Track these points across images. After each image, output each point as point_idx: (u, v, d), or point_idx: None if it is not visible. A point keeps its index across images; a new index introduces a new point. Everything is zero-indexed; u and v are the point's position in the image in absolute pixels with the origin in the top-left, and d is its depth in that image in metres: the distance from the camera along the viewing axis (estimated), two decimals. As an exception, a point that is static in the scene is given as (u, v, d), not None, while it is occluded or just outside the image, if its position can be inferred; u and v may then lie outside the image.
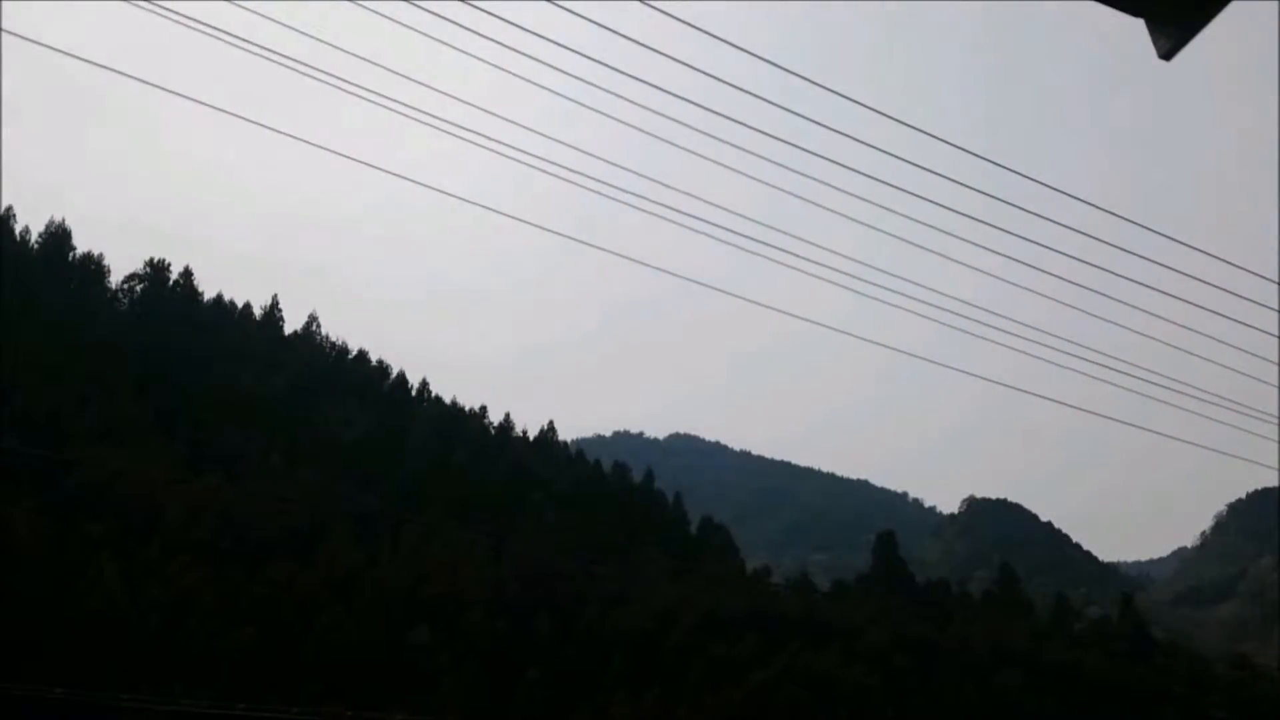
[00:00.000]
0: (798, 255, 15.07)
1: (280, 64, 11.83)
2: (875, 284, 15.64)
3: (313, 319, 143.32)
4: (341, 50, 12.25)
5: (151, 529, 75.24)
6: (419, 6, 10.44)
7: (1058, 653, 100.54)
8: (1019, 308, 16.13)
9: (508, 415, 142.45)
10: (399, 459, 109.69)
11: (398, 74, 12.59)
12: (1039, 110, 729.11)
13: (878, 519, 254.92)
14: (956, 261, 15.33)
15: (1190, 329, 15.58)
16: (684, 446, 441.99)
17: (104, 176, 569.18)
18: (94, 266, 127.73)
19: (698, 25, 9.21)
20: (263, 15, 11.44)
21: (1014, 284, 14.67)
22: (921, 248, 14.68)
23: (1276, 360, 14.69)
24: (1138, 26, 3.86)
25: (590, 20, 9.92)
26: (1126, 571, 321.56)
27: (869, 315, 25.51)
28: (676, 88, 11.62)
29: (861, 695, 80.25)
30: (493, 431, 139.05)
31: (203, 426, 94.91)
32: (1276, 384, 15.16)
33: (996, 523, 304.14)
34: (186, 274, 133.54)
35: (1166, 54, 3.85)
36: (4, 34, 12.42)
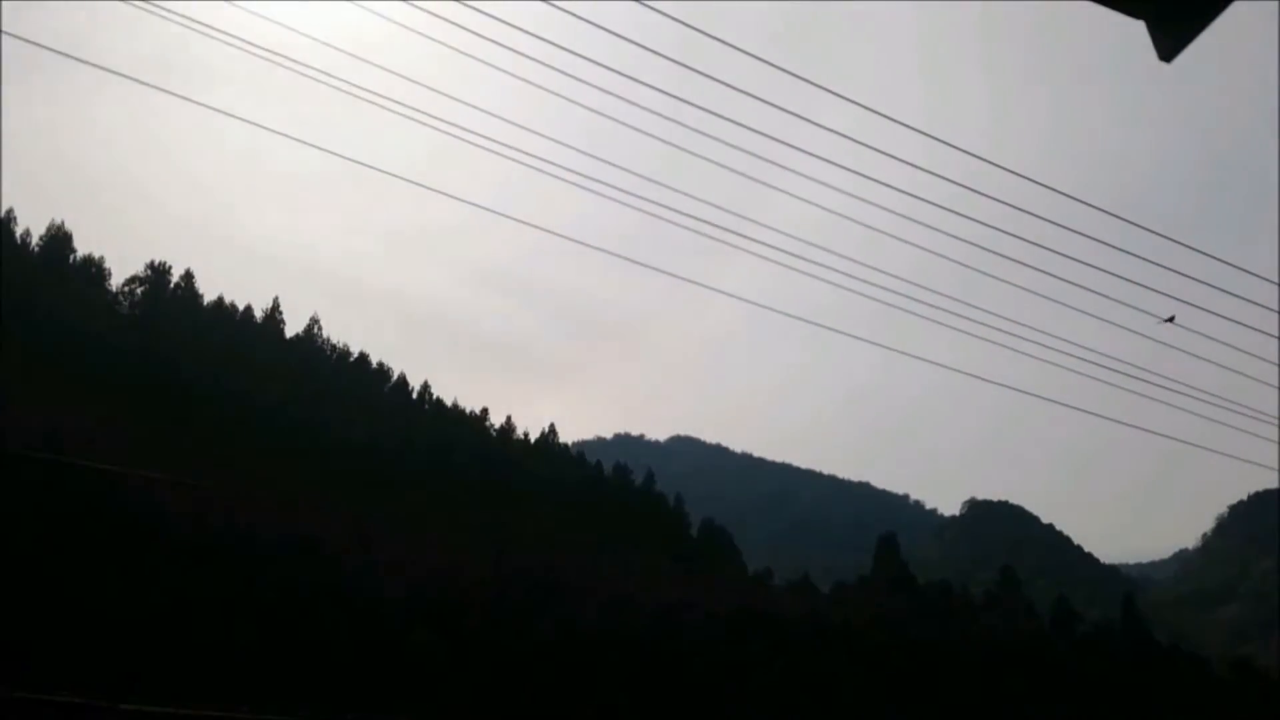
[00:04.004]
0: (797, 256, 15.08)
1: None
2: (878, 286, 15.64)
3: (314, 322, 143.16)
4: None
5: (152, 533, 75.26)
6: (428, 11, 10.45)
7: (1059, 655, 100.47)
8: (1020, 310, 16.13)
9: (509, 418, 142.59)
10: (400, 462, 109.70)
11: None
12: (1033, 109, 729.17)
13: (879, 521, 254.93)
14: (957, 263, 15.33)
15: (1191, 330, 15.58)
16: (685, 449, 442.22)
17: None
18: (95, 269, 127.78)
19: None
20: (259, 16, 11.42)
21: (1015, 285, 14.67)
22: (922, 249, 14.69)
23: (1277, 362, 14.69)
24: (1138, 28, 3.85)
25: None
26: (1128, 573, 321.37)
27: (871, 318, 25.54)
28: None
29: (863, 697, 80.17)
30: (494, 434, 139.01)
31: (203, 430, 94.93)
32: (1277, 386, 15.16)
33: (998, 524, 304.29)
34: (188, 276, 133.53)
35: (1167, 56, 3.84)
36: (3, 34, 12.43)
